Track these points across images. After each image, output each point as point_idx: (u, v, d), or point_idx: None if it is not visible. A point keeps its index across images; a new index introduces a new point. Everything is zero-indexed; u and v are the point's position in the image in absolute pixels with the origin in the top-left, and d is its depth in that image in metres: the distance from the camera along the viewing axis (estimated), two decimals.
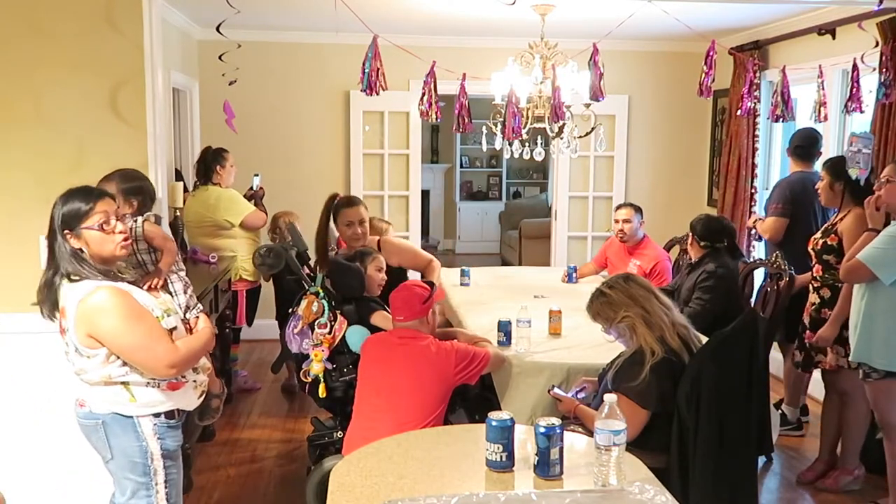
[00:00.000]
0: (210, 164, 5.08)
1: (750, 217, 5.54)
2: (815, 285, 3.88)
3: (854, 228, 3.62)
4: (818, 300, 3.85)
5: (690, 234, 4.40)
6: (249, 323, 5.25)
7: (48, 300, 2.36)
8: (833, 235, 3.78)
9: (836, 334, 3.67)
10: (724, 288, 4.18)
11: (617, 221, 5.04)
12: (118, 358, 2.33)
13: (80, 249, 2.33)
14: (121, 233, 2.38)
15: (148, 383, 2.39)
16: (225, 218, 4.97)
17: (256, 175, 5.36)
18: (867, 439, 3.88)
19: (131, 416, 2.41)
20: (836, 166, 3.89)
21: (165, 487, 2.49)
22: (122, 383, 2.37)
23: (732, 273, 4.33)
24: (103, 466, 2.54)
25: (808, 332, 3.89)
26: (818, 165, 4.64)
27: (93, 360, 2.33)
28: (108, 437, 2.43)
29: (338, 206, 4.14)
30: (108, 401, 2.40)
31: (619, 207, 5.16)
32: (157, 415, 2.44)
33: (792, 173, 4.69)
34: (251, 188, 5.30)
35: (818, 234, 3.91)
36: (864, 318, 3.35)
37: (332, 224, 4.13)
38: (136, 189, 2.82)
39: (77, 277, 2.31)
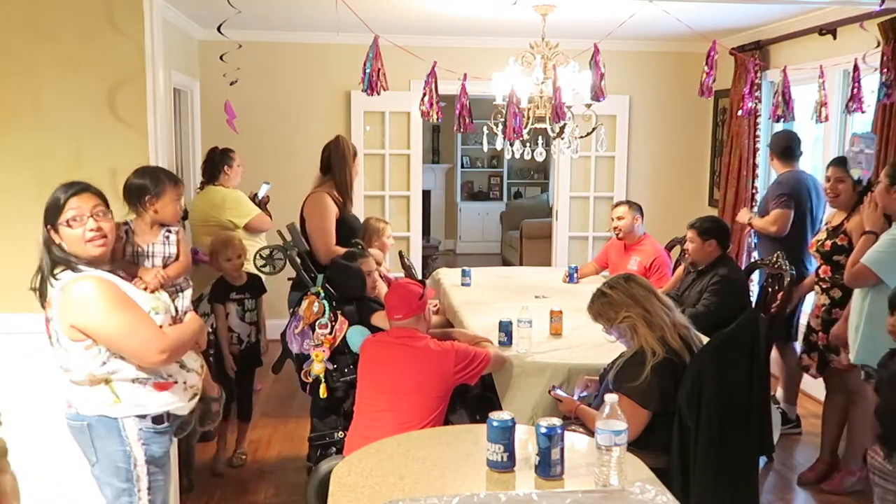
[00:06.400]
0: (217, 164, 5.07)
1: (742, 215, 5.03)
2: (825, 286, 3.85)
3: (863, 228, 3.55)
4: (828, 301, 3.83)
5: (696, 235, 4.22)
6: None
7: (39, 290, 2.34)
8: (843, 235, 3.75)
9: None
10: (733, 292, 4.13)
11: (612, 220, 5.07)
12: (100, 351, 2.26)
13: (60, 245, 2.29)
14: (90, 230, 2.28)
15: (134, 380, 2.32)
16: (229, 219, 4.95)
17: (267, 183, 5.33)
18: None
19: (116, 419, 2.33)
20: None
21: (149, 495, 2.39)
22: (105, 381, 2.30)
23: (743, 280, 4.30)
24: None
25: (820, 334, 3.85)
26: (803, 164, 4.65)
27: (74, 353, 2.27)
28: (93, 439, 2.36)
29: (352, 150, 4.35)
30: (95, 401, 2.33)
31: (614, 206, 5.21)
32: (142, 417, 2.35)
33: (784, 173, 4.65)
34: (255, 194, 5.27)
35: (822, 235, 3.89)
36: (867, 319, 3.34)
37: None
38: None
39: (60, 269, 2.27)
